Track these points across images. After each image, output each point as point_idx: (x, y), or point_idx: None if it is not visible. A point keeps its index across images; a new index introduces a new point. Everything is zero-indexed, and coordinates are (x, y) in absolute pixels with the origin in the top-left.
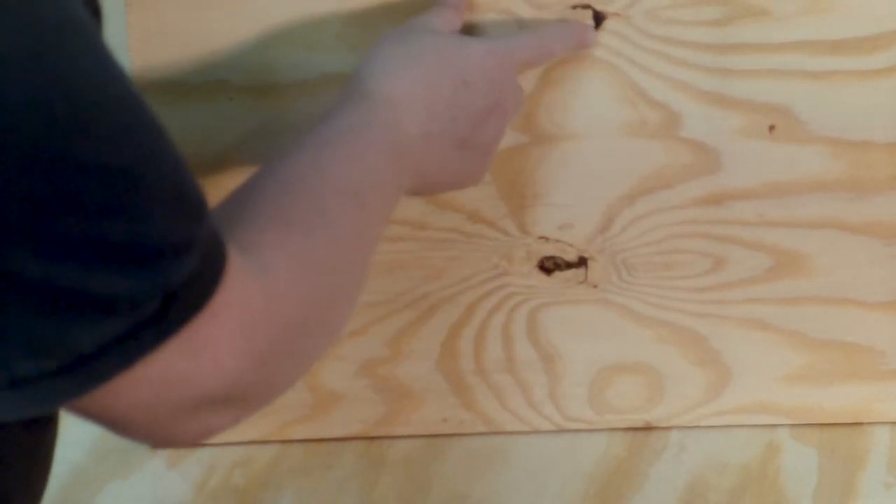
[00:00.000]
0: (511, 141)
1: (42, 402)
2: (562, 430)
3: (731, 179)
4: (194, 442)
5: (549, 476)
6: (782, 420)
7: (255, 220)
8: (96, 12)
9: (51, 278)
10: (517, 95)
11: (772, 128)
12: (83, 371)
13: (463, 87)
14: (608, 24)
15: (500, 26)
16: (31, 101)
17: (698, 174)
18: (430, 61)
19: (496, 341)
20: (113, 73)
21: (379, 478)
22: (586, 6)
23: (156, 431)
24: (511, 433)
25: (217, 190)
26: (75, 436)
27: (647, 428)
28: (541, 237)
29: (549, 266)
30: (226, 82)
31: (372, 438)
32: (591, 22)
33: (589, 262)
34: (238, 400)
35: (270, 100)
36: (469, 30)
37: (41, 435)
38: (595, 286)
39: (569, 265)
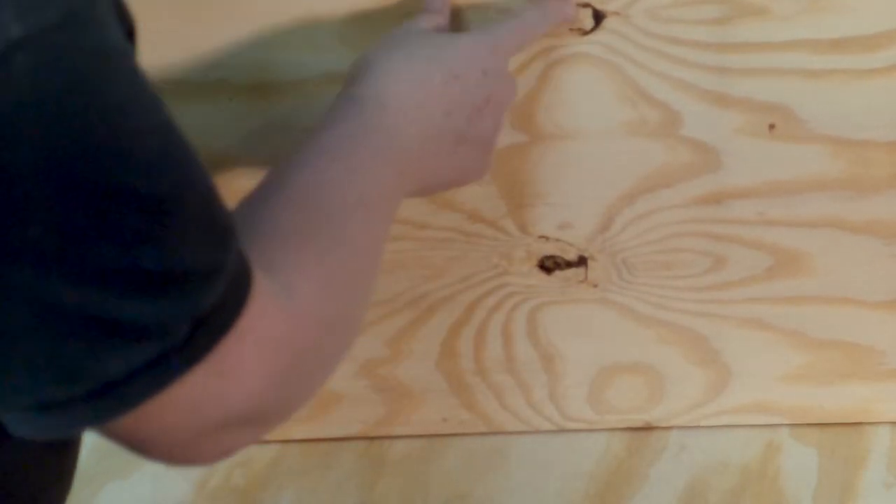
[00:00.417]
0: (511, 140)
1: (69, 425)
2: (562, 430)
3: (731, 178)
4: (214, 460)
5: (549, 476)
6: (782, 420)
7: (273, 238)
8: (131, 33)
9: (84, 306)
10: (509, 85)
11: (772, 127)
12: (111, 397)
13: (454, 80)
14: (608, 22)
15: (483, 19)
16: (71, 131)
17: (698, 173)
18: (418, 59)
19: (496, 341)
20: (150, 101)
21: (379, 478)
22: (586, 5)
23: (178, 453)
24: (511, 433)
25: (219, 190)
26: None
27: (647, 428)
28: (541, 236)
29: (549, 265)
30: (226, 82)
31: (372, 438)
32: (591, 21)
33: (589, 262)
34: (259, 419)
35: (270, 100)
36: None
37: (64, 453)
38: (595, 285)
39: (569, 264)
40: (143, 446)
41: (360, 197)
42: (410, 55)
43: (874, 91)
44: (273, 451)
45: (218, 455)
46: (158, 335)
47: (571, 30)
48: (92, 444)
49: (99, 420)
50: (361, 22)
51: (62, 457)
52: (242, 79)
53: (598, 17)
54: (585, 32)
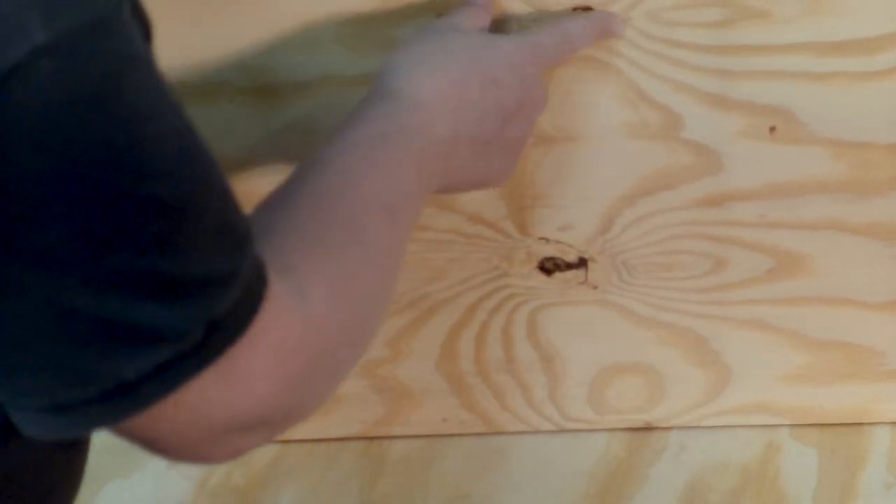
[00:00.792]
0: None
1: (81, 426)
2: (562, 430)
3: (732, 181)
4: (224, 460)
5: (549, 476)
6: (782, 420)
7: (291, 239)
8: (147, 34)
9: (100, 310)
10: (542, 93)
11: (773, 129)
12: (125, 398)
13: (493, 85)
14: None
15: (525, 24)
16: (93, 138)
17: (699, 175)
18: (458, 60)
19: (496, 342)
20: (170, 106)
21: (379, 478)
22: (587, 8)
23: (188, 452)
24: (511, 433)
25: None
26: None
27: (647, 428)
28: (541, 238)
29: (549, 267)
30: (226, 84)
31: (372, 438)
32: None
33: (589, 263)
34: (270, 423)
35: (271, 101)
36: (496, 28)
37: (74, 453)
38: (595, 287)
39: (569, 266)
40: (154, 445)
41: (386, 199)
42: (450, 54)
43: (875, 93)
44: (273, 451)
45: (229, 455)
46: (173, 339)
47: None
48: (93, 443)
49: (111, 421)
50: (362, 24)
51: (71, 456)
52: (243, 81)
53: None
54: None
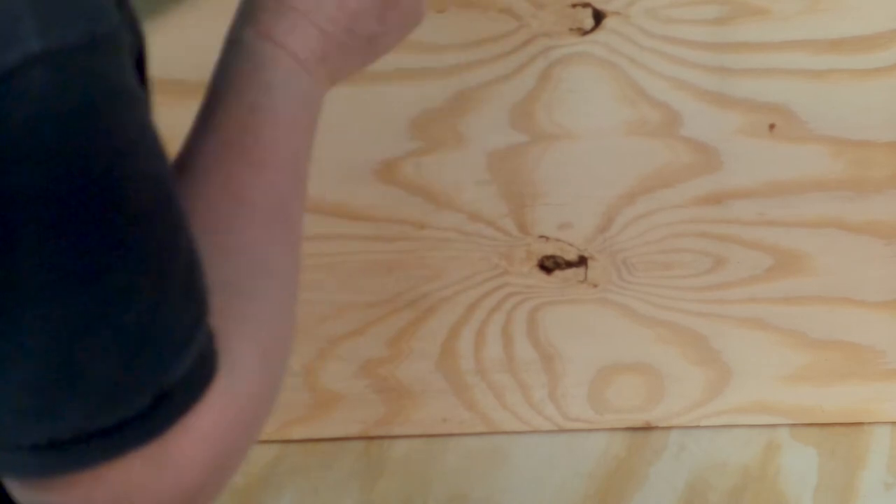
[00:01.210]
0: (511, 140)
1: (5, 470)
2: (562, 430)
3: (732, 178)
4: None
5: (549, 476)
6: (782, 420)
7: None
8: (140, 46)
9: (51, 354)
10: None
11: (772, 127)
12: (54, 456)
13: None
14: (608, 22)
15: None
16: (72, 160)
17: (698, 173)
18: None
19: (496, 341)
20: (151, 150)
21: (379, 478)
22: (586, 5)
23: None
24: (511, 433)
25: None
26: None
27: (647, 428)
28: (541, 237)
29: (549, 265)
30: None
31: (372, 438)
32: (591, 20)
33: (589, 262)
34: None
35: None
36: None
37: None
38: (595, 286)
39: (569, 264)
40: None
41: (277, 199)
42: None
43: (874, 91)
44: (273, 451)
45: None
46: (119, 401)
47: (571, 30)
48: None
49: (29, 476)
50: None
51: None
52: None
53: (599, 16)
54: (585, 32)
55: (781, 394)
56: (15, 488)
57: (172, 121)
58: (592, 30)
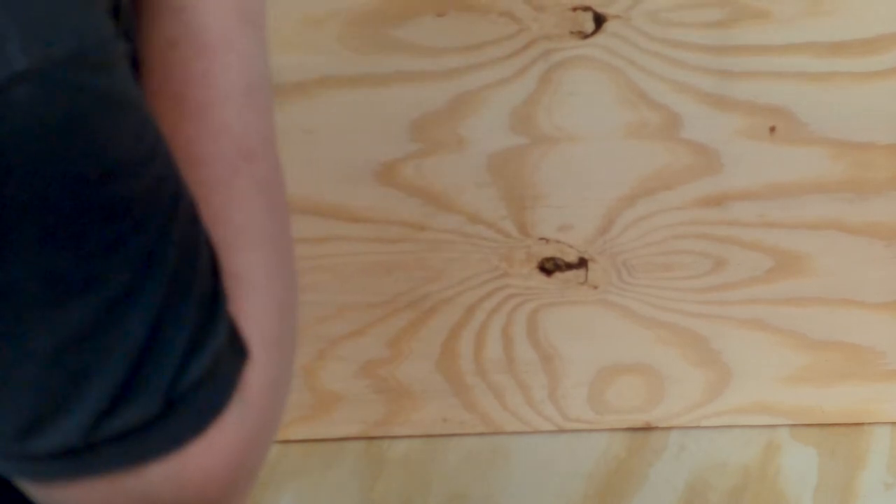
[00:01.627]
0: (511, 142)
1: (17, 474)
2: (562, 430)
3: (732, 180)
4: None
5: (549, 476)
6: (782, 420)
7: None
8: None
9: (58, 359)
10: None
11: (772, 129)
12: (67, 462)
13: None
14: (609, 25)
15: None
16: (60, 174)
17: (699, 175)
18: None
19: (496, 342)
20: (152, 152)
21: (379, 478)
22: (587, 8)
23: None
24: (511, 433)
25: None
26: None
27: (647, 428)
28: (541, 238)
29: (549, 267)
30: None
31: (372, 438)
32: (592, 24)
33: (589, 263)
34: None
35: None
36: None
37: None
38: (595, 287)
39: (569, 266)
40: None
41: (245, 143)
42: None
43: (874, 94)
44: (273, 451)
45: None
46: (124, 406)
47: (572, 33)
48: None
49: (39, 480)
50: (362, 24)
51: None
52: None
53: (599, 20)
54: (586, 35)
55: (781, 394)
56: (31, 486)
57: None
58: (593, 33)
